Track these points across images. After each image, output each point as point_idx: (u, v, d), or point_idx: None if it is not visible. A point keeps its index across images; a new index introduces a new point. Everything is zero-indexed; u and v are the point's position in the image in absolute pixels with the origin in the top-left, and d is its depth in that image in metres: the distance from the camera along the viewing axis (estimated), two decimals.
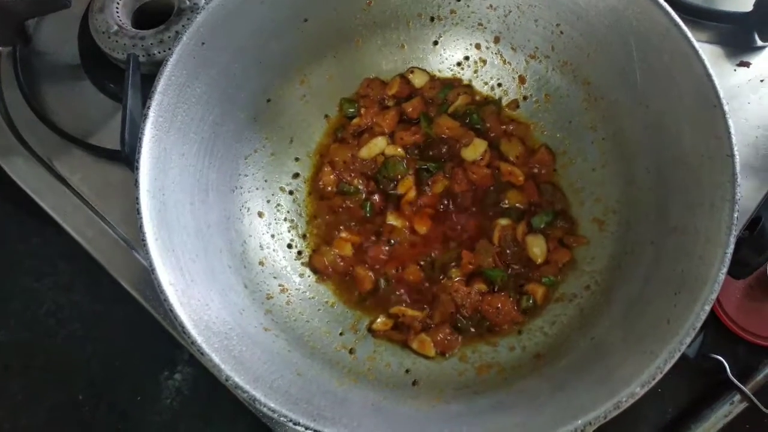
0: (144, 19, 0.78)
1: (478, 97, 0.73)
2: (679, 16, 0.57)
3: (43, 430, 0.73)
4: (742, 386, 0.73)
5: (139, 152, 0.51)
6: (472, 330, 0.63)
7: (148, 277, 0.70)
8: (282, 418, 0.45)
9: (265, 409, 0.45)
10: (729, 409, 0.73)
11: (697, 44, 0.55)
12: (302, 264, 0.66)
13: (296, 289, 0.64)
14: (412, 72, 0.72)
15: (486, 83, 0.73)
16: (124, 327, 0.76)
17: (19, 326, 0.77)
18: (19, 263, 0.79)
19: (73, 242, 0.73)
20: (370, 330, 0.63)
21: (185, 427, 0.72)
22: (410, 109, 0.71)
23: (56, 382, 0.74)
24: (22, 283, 0.78)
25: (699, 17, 0.79)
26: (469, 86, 0.73)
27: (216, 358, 0.47)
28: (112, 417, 0.73)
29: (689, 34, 0.56)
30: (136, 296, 0.70)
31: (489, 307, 0.63)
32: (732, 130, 0.53)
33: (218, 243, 0.59)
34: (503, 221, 0.67)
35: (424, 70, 0.73)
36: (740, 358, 0.75)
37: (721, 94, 0.53)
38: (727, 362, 0.74)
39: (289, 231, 0.67)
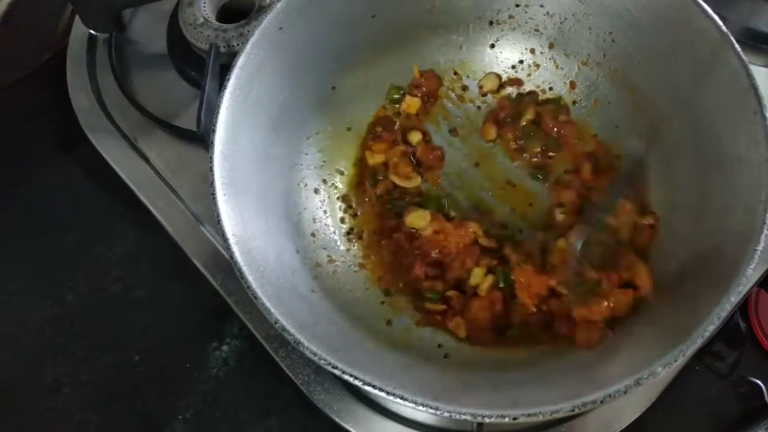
0: (227, 15, 0.85)
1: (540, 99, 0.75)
2: (738, 40, 0.58)
3: (98, 385, 0.77)
4: None
5: (216, 116, 0.56)
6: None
7: (210, 248, 0.76)
8: (321, 361, 0.48)
9: (307, 352, 0.49)
10: None
11: (743, 54, 0.57)
12: (349, 241, 0.70)
13: (342, 262, 0.68)
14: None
15: (538, 86, 0.75)
16: (180, 299, 0.81)
17: (87, 291, 0.82)
18: (95, 235, 0.86)
19: (144, 217, 0.79)
20: None
21: (228, 395, 0.76)
22: None
23: (115, 344, 0.79)
24: (95, 252, 0.84)
25: (758, 42, 0.81)
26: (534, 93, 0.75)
27: (267, 303, 0.50)
28: (162, 380, 0.77)
29: (737, 45, 0.58)
30: (197, 264, 0.75)
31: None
32: None
33: (276, 210, 0.64)
34: None
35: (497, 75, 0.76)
36: None
37: (765, 102, 0.55)
38: (765, 386, 0.73)
39: (340, 210, 0.71)
